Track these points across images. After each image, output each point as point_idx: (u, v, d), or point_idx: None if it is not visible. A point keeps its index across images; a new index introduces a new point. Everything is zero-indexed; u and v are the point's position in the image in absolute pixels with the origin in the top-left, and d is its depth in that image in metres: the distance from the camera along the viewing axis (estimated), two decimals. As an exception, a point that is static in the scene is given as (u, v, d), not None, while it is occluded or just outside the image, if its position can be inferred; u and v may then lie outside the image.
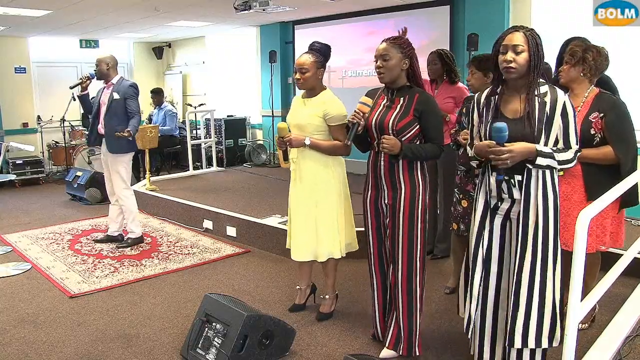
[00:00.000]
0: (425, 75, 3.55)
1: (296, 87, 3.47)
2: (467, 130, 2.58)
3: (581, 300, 2.04)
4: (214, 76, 9.66)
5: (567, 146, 2.21)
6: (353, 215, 3.21)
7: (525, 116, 2.18)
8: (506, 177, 2.23)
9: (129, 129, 4.49)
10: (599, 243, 2.80)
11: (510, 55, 2.15)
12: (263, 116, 8.85)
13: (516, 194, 2.24)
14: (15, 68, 8.66)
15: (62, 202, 6.99)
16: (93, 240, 5.03)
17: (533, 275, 2.22)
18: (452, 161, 3.53)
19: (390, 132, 2.60)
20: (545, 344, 2.25)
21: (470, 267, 2.38)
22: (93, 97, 4.78)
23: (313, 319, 3.26)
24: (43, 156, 8.59)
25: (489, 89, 2.36)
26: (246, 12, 5.80)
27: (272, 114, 8.34)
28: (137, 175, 7.19)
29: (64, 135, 8.39)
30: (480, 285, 2.37)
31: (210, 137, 8.22)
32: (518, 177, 2.22)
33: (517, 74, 2.18)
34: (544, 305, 2.24)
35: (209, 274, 4.16)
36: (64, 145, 8.39)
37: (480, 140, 2.33)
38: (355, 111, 2.64)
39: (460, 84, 4.06)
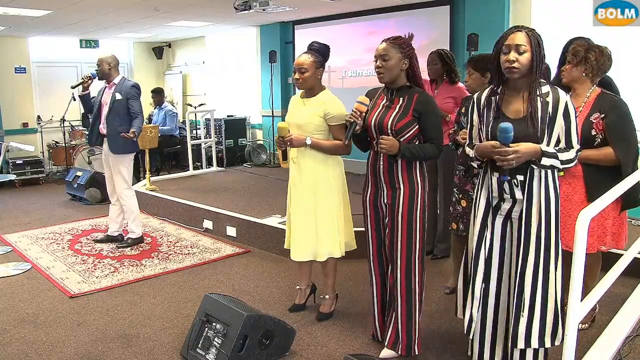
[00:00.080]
0: (425, 75, 3.55)
1: (295, 87, 3.48)
2: (466, 130, 2.58)
3: (581, 300, 2.04)
4: (214, 76, 9.67)
5: (568, 146, 2.21)
6: (351, 215, 3.21)
7: (529, 116, 2.18)
8: (509, 178, 2.23)
9: (133, 129, 4.49)
10: (599, 243, 2.79)
11: (513, 55, 2.15)
12: (263, 116, 8.85)
13: (518, 194, 2.24)
14: (15, 68, 8.66)
15: (62, 202, 6.99)
16: (93, 240, 5.03)
17: (536, 275, 2.22)
18: (452, 161, 3.53)
19: (389, 132, 2.60)
20: (548, 343, 2.26)
21: (472, 267, 2.38)
22: (94, 97, 4.78)
23: (313, 319, 3.26)
24: (43, 156, 8.59)
25: (488, 89, 2.36)
26: (246, 12, 5.80)
27: (272, 114, 8.34)
28: (137, 175, 7.18)
29: (64, 135, 8.39)
30: (482, 285, 2.37)
31: (210, 137, 8.22)
32: (520, 177, 2.22)
33: (519, 74, 2.18)
34: (546, 305, 2.24)
35: (209, 274, 4.16)
36: (64, 145, 8.38)
37: (481, 141, 2.33)
38: (352, 110, 2.65)
39: (460, 84, 4.06)
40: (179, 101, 10.35)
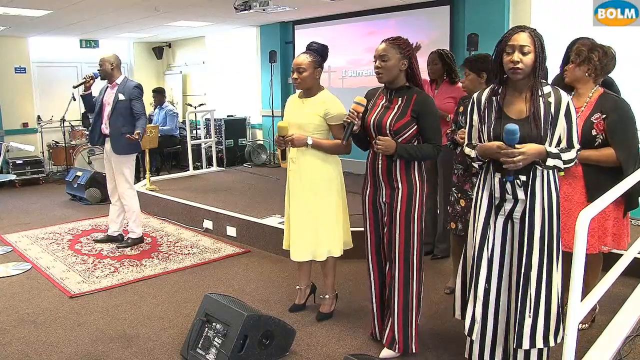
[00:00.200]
0: (425, 75, 3.55)
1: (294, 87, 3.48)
2: (464, 129, 2.58)
3: (581, 300, 2.04)
4: (214, 76, 9.66)
5: (569, 146, 2.22)
6: (348, 214, 3.22)
7: (532, 117, 2.17)
8: (513, 178, 2.22)
9: (138, 131, 4.49)
10: (600, 244, 2.79)
11: (517, 56, 2.14)
12: (263, 116, 8.85)
13: (520, 194, 2.24)
14: (15, 68, 8.66)
15: (62, 202, 6.99)
16: (93, 240, 5.03)
17: (541, 275, 2.22)
18: (452, 161, 3.52)
19: (388, 132, 2.61)
20: (552, 342, 2.26)
21: (474, 268, 2.36)
22: (95, 97, 4.77)
23: (313, 319, 3.26)
24: (43, 156, 8.59)
25: (489, 88, 2.35)
26: (246, 12, 5.80)
27: (272, 114, 8.34)
28: (137, 175, 7.17)
29: (64, 135, 8.39)
30: (485, 286, 2.36)
31: (210, 137, 8.22)
32: (523, 178, 2.22)
33: (523, 75, 2.17)
34: (550, 305, 2.24)
35: (209, 274, 4.16)
36: (64, 145, 8.38)
37: (481, 141, 2.32)
38: (350, 111, 2.66)
39: (460, 84, 4.05)
40: (179, 101, 10.35)
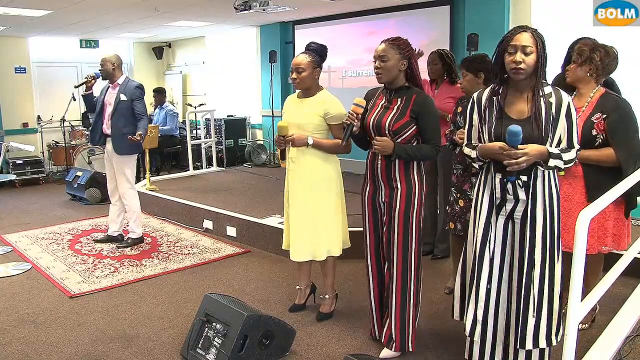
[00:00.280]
0: (424, 75, 3.55)
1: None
2: (463, 129, 2.58)
3: (581, 300, 2.04)
4: (214, 76, 9.66)
5: (569, 146, 2.22)
6: (347, 214, 3.23)
7: (533, 117, 2.17)
8: (514, 179, 2.22)
9: (140, 132, 4.48)
10: (600, 244, 2.78)
11: (519, 56, 2.14)
12: (263, 116, 8.85)
13: (522, 194, 2.24)
14: (15, 68, 8.66)
15: (62, 202, 6.99)
16: (93, 240, 5.03)
17: (543, 275, 2.22)
18: (452, 161, 3.52)
19: (387, 132, 2.61)
20: (554, 341, 2.27)
21: (475, 268, 2.36)
22: (96, 97, 4.77)
23: (313, 319, 3.26)
24: (43, 156, 8.59)
25: (489, 88, 2.35)
26: (246, 12, 5.80)
27: (272, 114, 8.34)
28: (137, 175, 7.18)
29: (64, 135, 8.39)
30: (487, 286, 2.36)
31: (210, 137, 8.22)
32: (524, 178, 2.22)
33: (525, 75, 2.17)
34: (552, 305, 2.24)
35: (209, 274, 4.16)
36: (64, 145, 8.38)
37: (481, 141, 2.32)
38: (349, 112, 2.66)
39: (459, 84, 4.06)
40: (179, 101, 10.35)
